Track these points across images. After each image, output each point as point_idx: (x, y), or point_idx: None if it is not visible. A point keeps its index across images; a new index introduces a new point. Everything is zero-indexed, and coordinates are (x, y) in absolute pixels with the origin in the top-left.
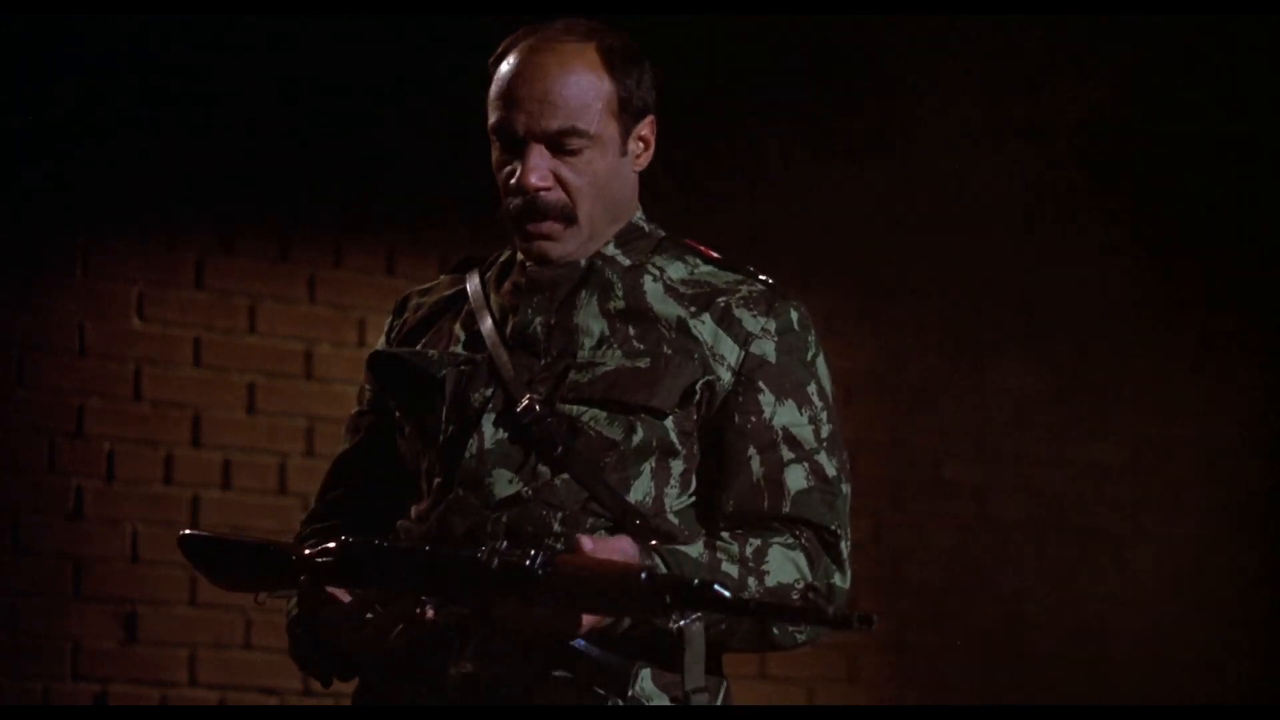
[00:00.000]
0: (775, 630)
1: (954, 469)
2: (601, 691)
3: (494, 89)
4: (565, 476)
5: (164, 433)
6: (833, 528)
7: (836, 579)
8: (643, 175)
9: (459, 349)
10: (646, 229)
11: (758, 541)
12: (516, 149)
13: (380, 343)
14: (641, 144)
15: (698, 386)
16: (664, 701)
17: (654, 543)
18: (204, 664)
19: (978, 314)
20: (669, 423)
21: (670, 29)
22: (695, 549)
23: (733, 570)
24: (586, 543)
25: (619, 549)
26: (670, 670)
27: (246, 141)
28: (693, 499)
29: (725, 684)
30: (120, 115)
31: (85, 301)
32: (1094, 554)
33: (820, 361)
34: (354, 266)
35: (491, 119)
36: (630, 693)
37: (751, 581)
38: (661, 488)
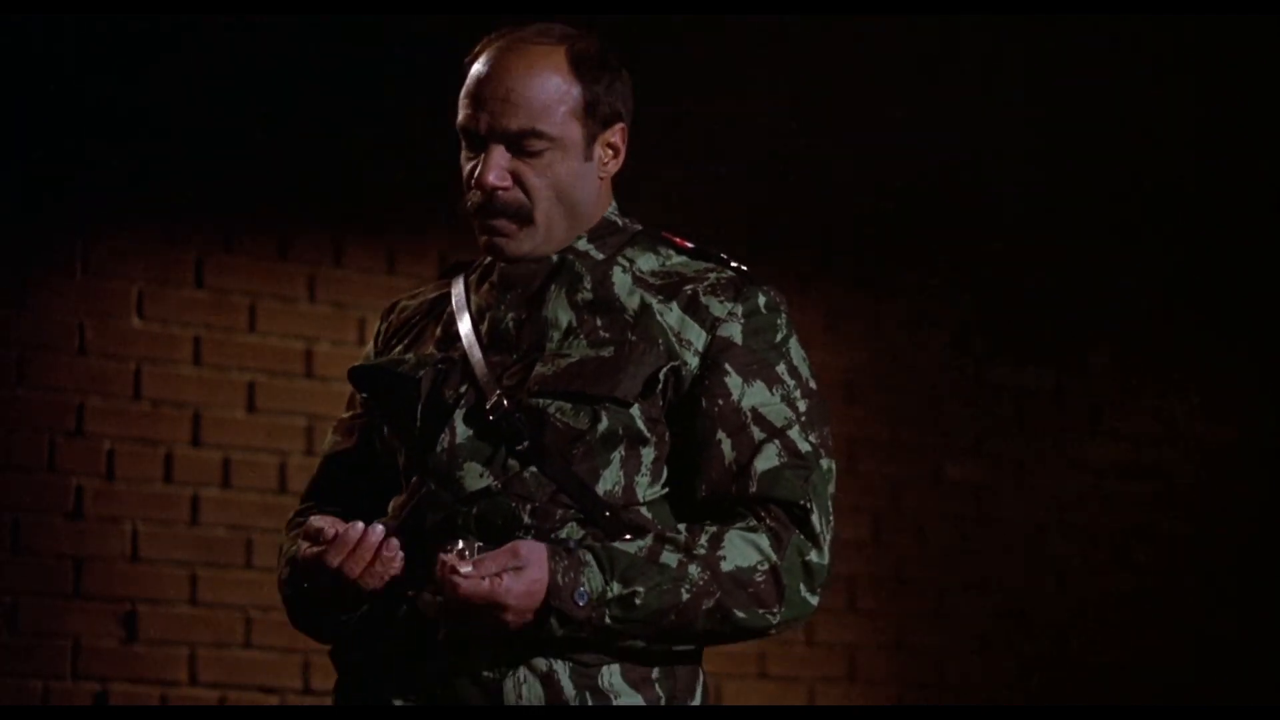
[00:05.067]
0: (741, 614)
1: (954, 469)
2: (570, 683)
3: (464, 87)
4: (534, 469)
5: (164, 432)
6: (802, 502)
7: (812, 555)
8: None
9: (438, 350)
10: (620, 224)
11: (714, 528)
12: (479, 147)
13: (368, 348)
14: (610, 150)
15: (662, 374)
16: (635, 699)
17: (574, 542)
18: (204, 663)
19: (978, 313)
20: (635, 410)
21: (669, 23)
22: (636, 544)
23: (672, 560)
24: (464, 567)
25: (523, 556)
26: (640, 664)
27: (246, 141)
28: (666, 489)
29: (702, 676)
30: (120, 115)
31: (85, 301)
32: (1094, 554)
33: (793, 343)
34: (354, 266)
35: (459, 116)
36: (600, 685)
37: (694, 570)
38: (632, 476)
